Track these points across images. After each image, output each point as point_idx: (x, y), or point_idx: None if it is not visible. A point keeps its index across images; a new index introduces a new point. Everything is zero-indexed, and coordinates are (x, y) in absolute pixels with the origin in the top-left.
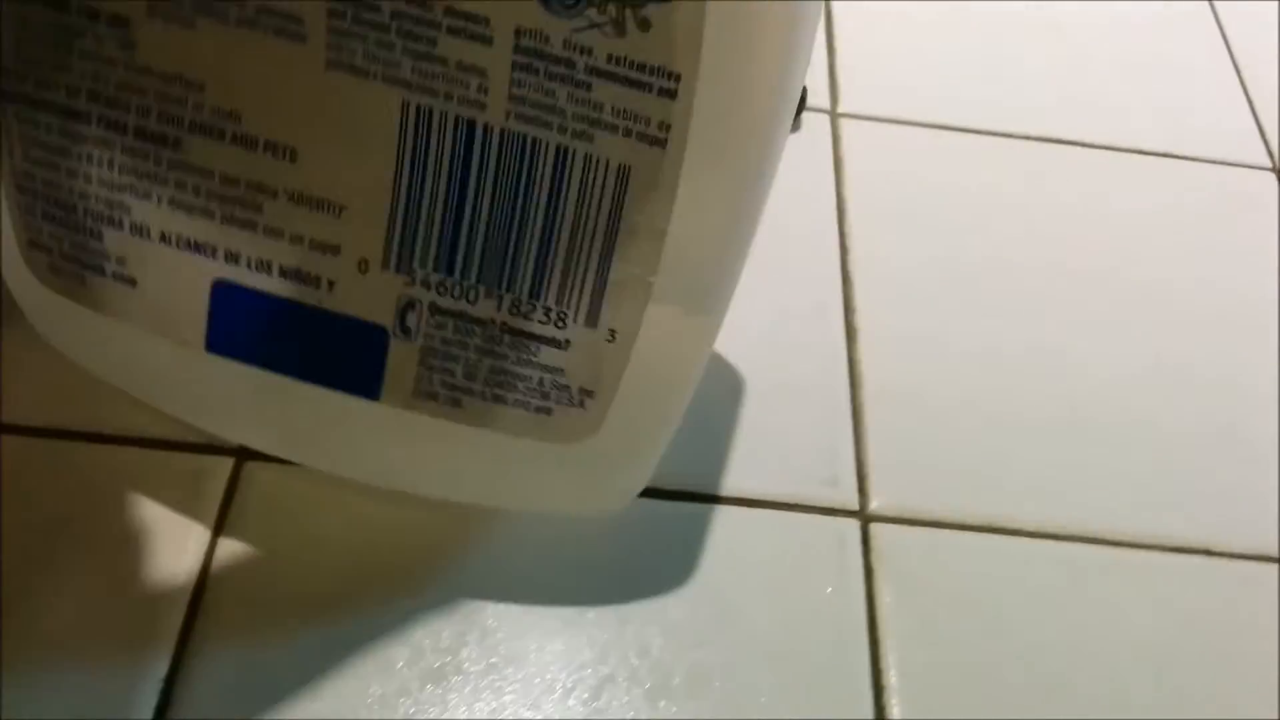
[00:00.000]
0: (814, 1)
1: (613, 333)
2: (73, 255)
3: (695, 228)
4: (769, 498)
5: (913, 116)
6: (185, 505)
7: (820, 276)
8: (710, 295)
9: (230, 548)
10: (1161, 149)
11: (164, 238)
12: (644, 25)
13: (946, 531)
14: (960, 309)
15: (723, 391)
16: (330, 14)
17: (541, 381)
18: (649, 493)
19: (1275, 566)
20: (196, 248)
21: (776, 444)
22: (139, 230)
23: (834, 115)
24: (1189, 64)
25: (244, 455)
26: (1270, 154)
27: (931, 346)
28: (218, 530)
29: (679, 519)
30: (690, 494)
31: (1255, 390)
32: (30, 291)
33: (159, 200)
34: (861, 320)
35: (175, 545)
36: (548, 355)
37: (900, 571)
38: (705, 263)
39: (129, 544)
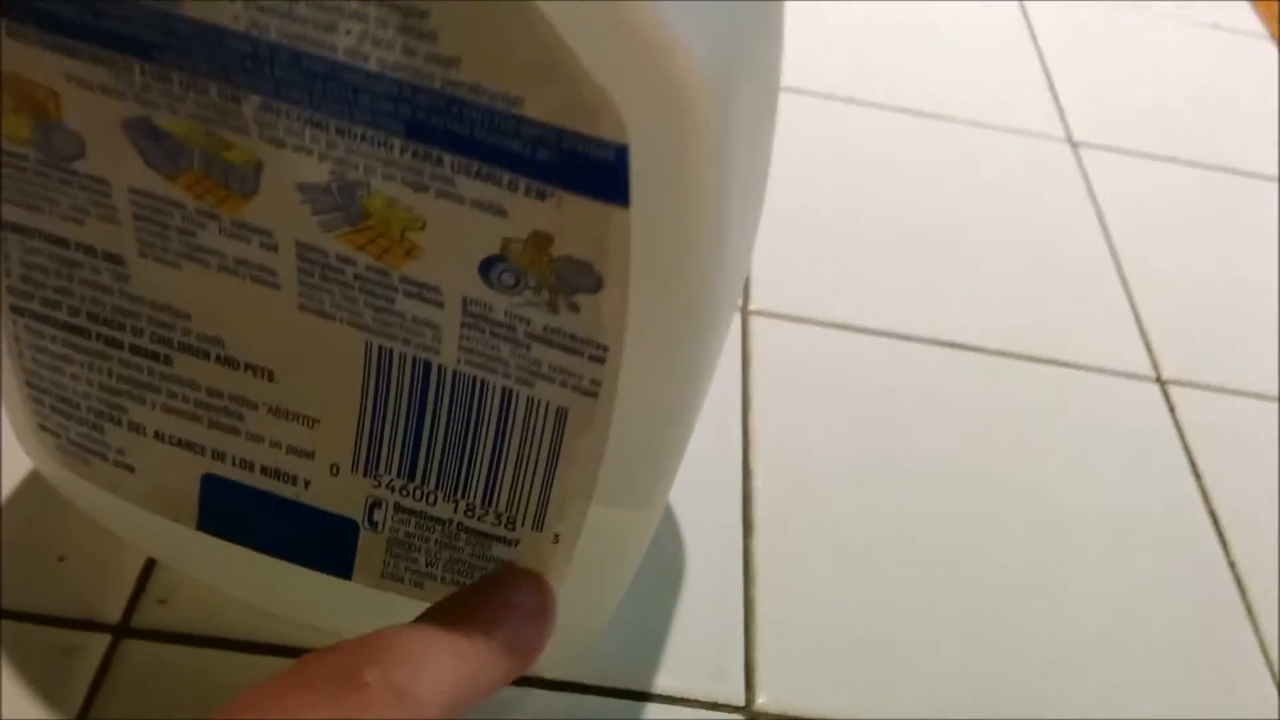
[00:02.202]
0: (734, 288)
1: (556, 536)
2: (78, 442)
3: (632, 439)
4: (653, 690)
5: (820, 315)
6: (49, 687)
7: (722, 469)
8: (647, 494)
9: None
10: (1049, 356)
11: (158, 435)
12: (574, 308)
13: None
14: (859, 506)
15: None
16: (300, 270)
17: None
18: (524, 681)
19: None
20: (187, 445)
21: (664, 635)
22: (136, 428)
23: (745, 312)
24: (1080, 278)
25: (121, 632)
26: (1154, 364)
27: (829, 542)
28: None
29: (560, 708)
30: (574, 685)
31: (1135, 597)
32: (41, 459)
33: (153, 405)
34: (760, 513)
35: None
36: (499, 550)
37: None
38: (642, 468)
39: None
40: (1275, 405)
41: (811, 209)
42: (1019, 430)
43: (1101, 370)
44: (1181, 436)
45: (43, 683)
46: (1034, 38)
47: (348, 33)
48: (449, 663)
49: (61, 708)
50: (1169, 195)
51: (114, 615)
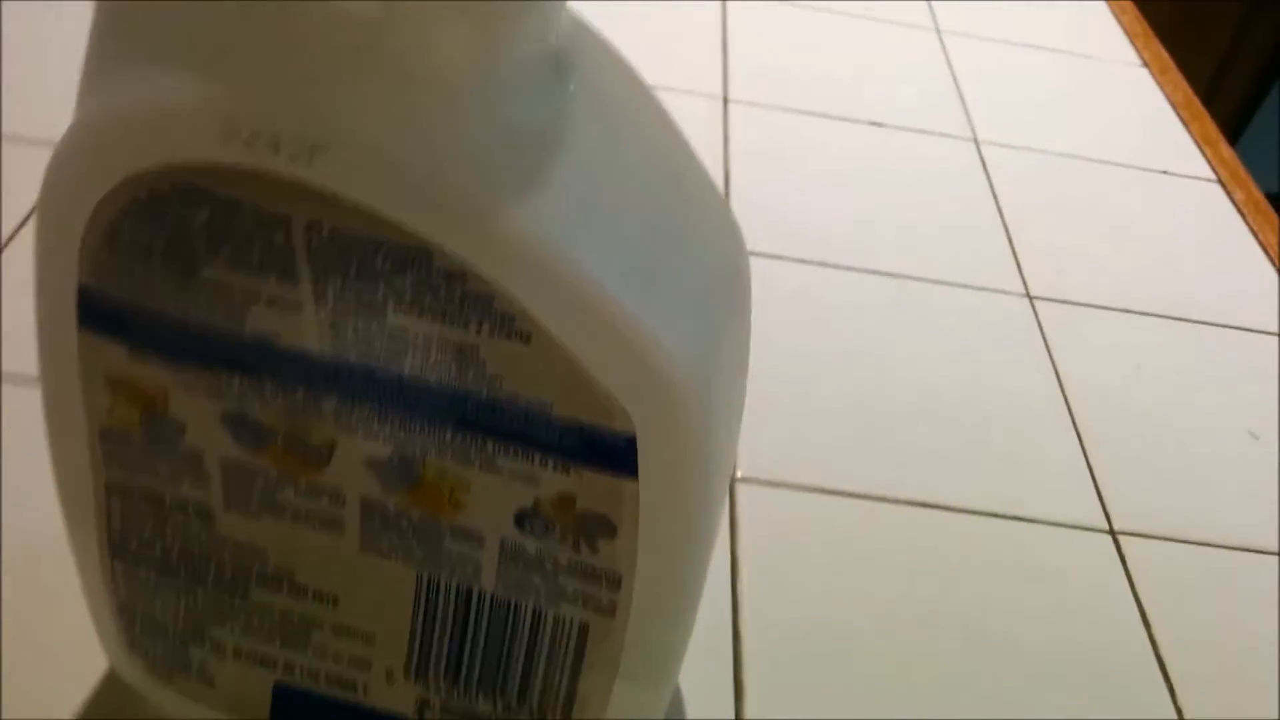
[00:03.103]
0: (724, 500)
1: None
2: (163, 659)
3: (645, 640)
4: None
5: (802, 480)
6: None
7: (712, 632)
8: (659, 676)
9: None
10: (1010, 512)
11: (236, 653)
12: (594, 549)
13: None
14: (843, 662)
15: None
16: (363, 519)
17: None
18: None
19: None
20: (261, 660)
21: None
22: (217, 647)
23: (732, 480)
24: (1038, 437)
25: None
26: (1106, 516)
27: (816, 699)
28: None
29: None
30: None
31: None
32: (128, 672)
33: (232, 628)
34: (749, 675)
35: None
36: None
37: None
38: (653, 658)
39: None
40: (1224, 551)
41: (786, 376)
42: (986, 582)
43: (1057, 524)
44: (1131, 585)
45: None
46: (992, 190)
47: (413, 358)
48: None
49: None
50: (1124, 343)
51: None
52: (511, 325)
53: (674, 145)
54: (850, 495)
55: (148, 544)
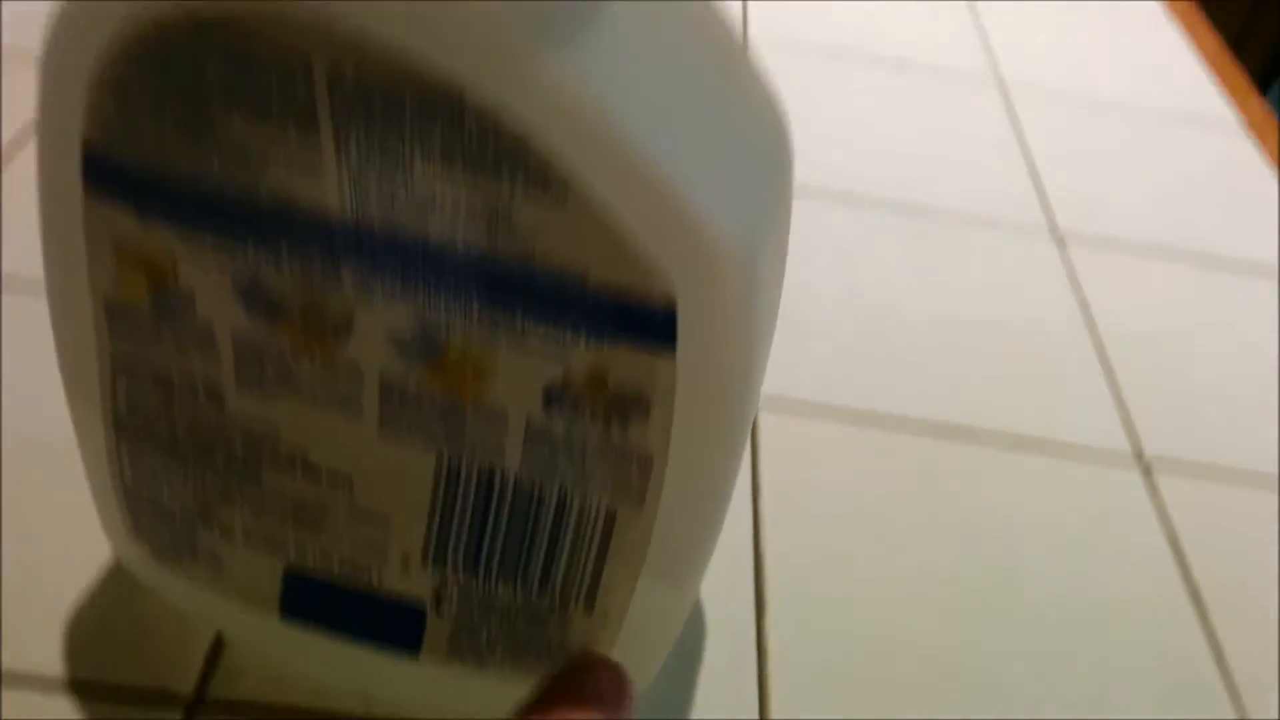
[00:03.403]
0: (758, 396)
1: (605, 614)
2: (169, 543)
3: (673, 532)
4: None
5: (823, 403)
6: None
7: (735, 550)
8: (685, 576)
9: None
10: (1040, 445)
11: (246, 537)
12: (625, 430)
13: None
14: (866, 586)
15: None
16: (382, 399)
17: (549, 646)
18: None
19: None
20: (272, 545)
21: (683, 713)
22: (226, 531)
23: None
24: (1066, 370)
25: (195, 705)
26: (1137, 448)
27: (839, 620)
28: None
29: None
30: None
31: (1128, 693)
32: (132, 559)
33: (241, 512)
34: (770, 591)
35: None
36: (555, 630)
37: None
38: (681, 553)
39: None
40: (1257, 486)
41: (809, 305)
42: (1011, 511)
43: (1087, 456)
44: (1164, 517)
45: None
46: (1020, 132)
47: (439, 221)
48: None
49: None
50: (1152, 284)
51: (187, 688)
52: (546, 181)
53: (723, 28)
54: (873, 422)
55: (155, 424)
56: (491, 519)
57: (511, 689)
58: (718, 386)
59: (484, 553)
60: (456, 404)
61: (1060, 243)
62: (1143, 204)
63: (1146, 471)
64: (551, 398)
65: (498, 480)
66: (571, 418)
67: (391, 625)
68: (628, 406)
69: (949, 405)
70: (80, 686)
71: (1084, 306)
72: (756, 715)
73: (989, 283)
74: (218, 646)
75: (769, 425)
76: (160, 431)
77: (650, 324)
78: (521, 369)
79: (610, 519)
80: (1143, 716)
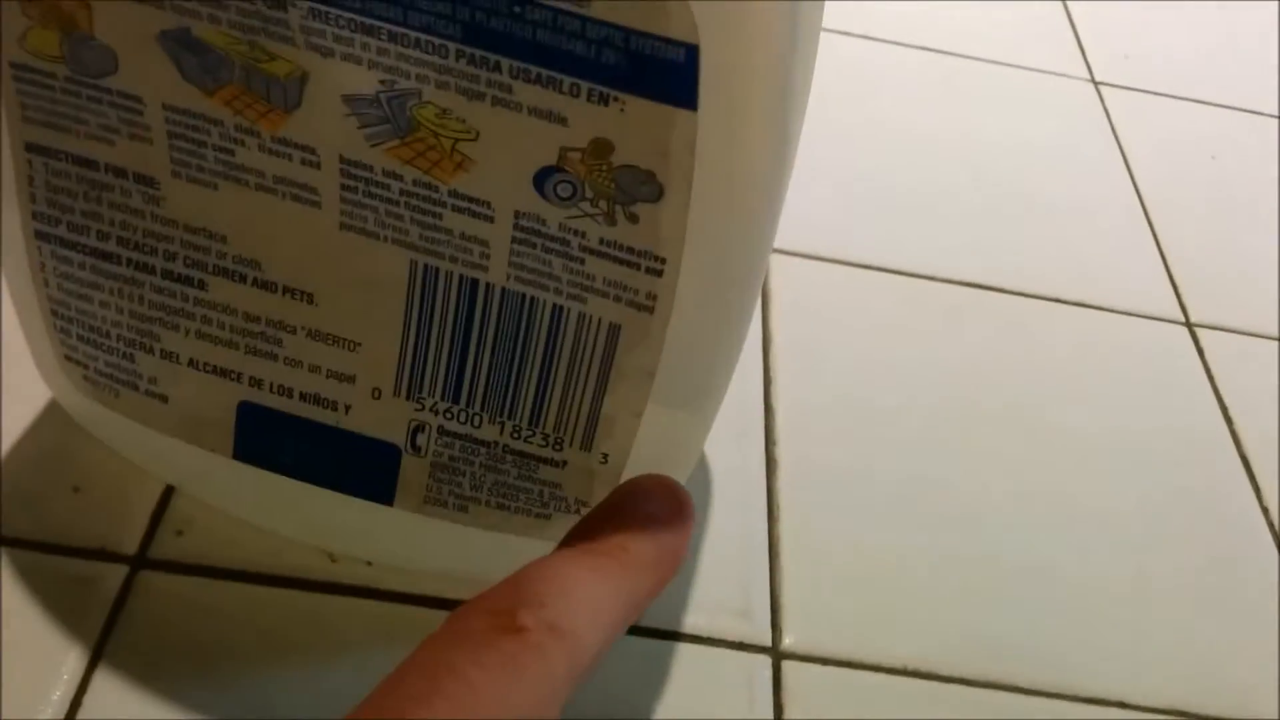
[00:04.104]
0: (783, 197)
1: (605, 455)
2: (106, 372)
3: (687, 351)
4: (679, 629)
5: (839, 254)
6: (65, 618)
7: (743, 406)
8: (699, 401)
9: (112, 671)
10: (1077, 299)
11: (192, 363)
12: (633, 219)
13: (859, 672)
14: (882, 444)
15: None
16: (344, 187)
17: (540, 494)
18: None
19: None
20: (223, 372)
21: (691, 574)
22: (169, 356)
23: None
24: (1106, 221)
25: (139, 563)
26: (1183, 309)
27: (852, 481)
28: (99, 651)
29: None
30: None
31: (1164, 535)
32: (66, 393)
33: (187, 332)
34: (782, 451)
35: (48, 665)
36: (546, 473)
37: (810, 711)
38: (698, 375)
39: None
40: None
41: (830, 147)
42: (1046, 368)
43: (1128, 313)
44: (1210, 377)
45: (59, 613)
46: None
47: None
48: (599, 589)
49: (78, 638)
50: (1196, 133)
51: (130, 547)
52: None
53: None
54: (894, 271)
55: (81, 223)
56: (475, 339)
57: (497, 542)
58: (746, 159)
59: (466, 380)
60: (431, 191)
61: (1097, 88)
62: (1184, 46)
63: (1190, 329)
64: (545, 180)
65: (481, 291)
66: (568, 205)
67: (361, 467)
68: (636, 188)
69: (978, 257)
70: (11, 544)
71: (1124, 158)
72: (768, 578)
73: (1020, 132)
74: (166, 500)
75: (781, 271)
76: (88, 232)
77: (667, 71)
78: (509, 141)
79: (614, 334)
80: (1183, 551)
